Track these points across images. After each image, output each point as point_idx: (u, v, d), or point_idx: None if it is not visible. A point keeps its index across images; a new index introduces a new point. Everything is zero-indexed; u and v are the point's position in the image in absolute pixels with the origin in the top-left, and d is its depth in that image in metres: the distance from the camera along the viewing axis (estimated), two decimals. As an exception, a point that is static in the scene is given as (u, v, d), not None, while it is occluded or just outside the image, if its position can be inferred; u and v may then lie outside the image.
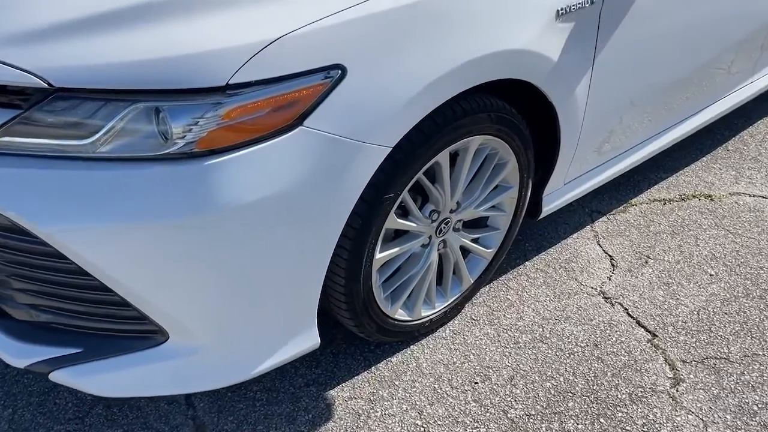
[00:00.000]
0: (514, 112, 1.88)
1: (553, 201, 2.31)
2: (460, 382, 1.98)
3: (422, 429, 1.84)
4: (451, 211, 1.94)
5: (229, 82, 1.35)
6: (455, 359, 2.05)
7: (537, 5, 1.75)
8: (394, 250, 1.83)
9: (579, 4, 1.84)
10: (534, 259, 2.48)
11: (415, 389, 1.95)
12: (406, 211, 1.83)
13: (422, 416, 1.87)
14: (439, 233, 1.95)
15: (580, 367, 2.04)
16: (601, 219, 2.72)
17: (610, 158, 2.46)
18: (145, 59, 1.35)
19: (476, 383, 1.97)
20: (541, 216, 2.30)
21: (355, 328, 1.89)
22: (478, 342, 2.11)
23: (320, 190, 1.48)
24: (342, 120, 1.46)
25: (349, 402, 1.90)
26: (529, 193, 2.15)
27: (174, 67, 1.34)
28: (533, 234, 2.61)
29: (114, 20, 1.39)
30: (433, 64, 1.55)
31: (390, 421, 1.85)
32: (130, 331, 1.57)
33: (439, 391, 1.95)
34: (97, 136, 1.37)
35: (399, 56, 1.51)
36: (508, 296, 2.30)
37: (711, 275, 2.43)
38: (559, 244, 2.56)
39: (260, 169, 1.40)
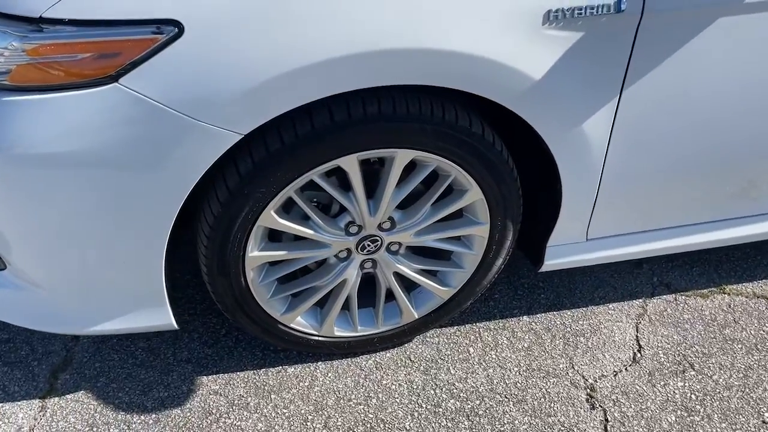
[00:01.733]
0: (477, 133, 1.45)
1: (563, 255, 1.81)
2: (339, 424, 1.67)
3: (263, 458, 1.60)
4: (382, 230, 1.60)
5: (43, 16, 1.19)
6: (353, 396, 1.74)
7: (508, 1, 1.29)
8: (280, 253, 1.56)
9: (591, 8, 1.32)
10: (538, 315, 2.00)
11: (285, 411, 1.70)
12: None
13: (270, 444, 1.63)
14: (362, 249, 1.62)
15: (489, 468, 1.61)
16: (664, 296, 2.09)
17: (669, 227, 1.85)
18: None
19: (354, 433, 1.66)
20: (543, 269, 1.82)
21: (236, 324, 1.68)
22: (393, 387, 1.77)
23: (137, 159, 1.27)
24: (169, 87, 1.22)
25: (211, 396, 1.72)
26: (509, 237, 1.69)
27: (-6, -13, 1.21)
28: (560, 284, 2.10)
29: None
30: (308, 47, 1.22)
31: (234, 435, 1.64)
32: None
33: (308, 424, 1.67)
34: None
35: (260, 27, 1.20)
36: (470, 348, 1.89)
37: (764, 423, 1.75)
38: (584, 309, 2.03)
39: (61, 120, 1.23)
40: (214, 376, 1.77)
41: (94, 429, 1.63)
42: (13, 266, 1.49)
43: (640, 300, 2.08)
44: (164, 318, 1.56)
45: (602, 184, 1.62)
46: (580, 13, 1.32)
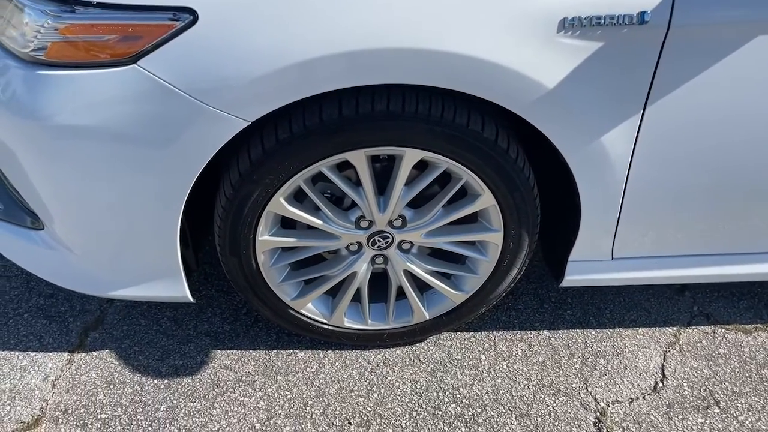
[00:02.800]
0: (489, 138, 1.44)
1: (586, 272, 1.75)
2: (337, 413, 1.70)
3: (259, 435, 1.66)
4: (393, 227, 1.61)
5: (76, -3, 1.28)
6: (356, 388, 1.77)
7: (520, 4, 1.26)
8: (289, 239, 1.60)
9: (611, 18, 1.27)
10: (560, 331, 1.95)
11: (288, 394, 1.74)
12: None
13: (267, 423, 1.67)
14: (373, 245, 1.64)
15: (477, 477, 1.59)
16: (701, 327, 1.98)
17: (711, 253, 1.74)
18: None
19: (350, 423, 1.68)
20: (563, 284, 1.77)
21: (249, 304, 1.74)
22: (397, 384, 1.78)
23: (150, 137, 1.35)
24: (182, 71, 1.28)
25: (222, 370, 1.79)
26: (525, 247, 1.66)
27: (38, -32, 1.32)
28: (590, 302, 2.04)
29: None
30: (315, 41, 1.25)
31: (235, 409, 1.70)
32: (27, 207, 1.68)
33: (307, 408, 1.71)
34: None
35: (270, 19, 1.25)
36: (482, 356, 1.86)
37: (787, 474, 1.63)
38: (611, 330, 1.96)
39: (82, 96, 1.32)
40: (228, 351, 1.84)
41: (111, 386, 1.74)
42: (49, 228, 1.62)
43: (674, 328, 1.98)
44: (180, 290, 1.64)
45: (626, 201, 1.56)
46: (599, 22, 1.28)
